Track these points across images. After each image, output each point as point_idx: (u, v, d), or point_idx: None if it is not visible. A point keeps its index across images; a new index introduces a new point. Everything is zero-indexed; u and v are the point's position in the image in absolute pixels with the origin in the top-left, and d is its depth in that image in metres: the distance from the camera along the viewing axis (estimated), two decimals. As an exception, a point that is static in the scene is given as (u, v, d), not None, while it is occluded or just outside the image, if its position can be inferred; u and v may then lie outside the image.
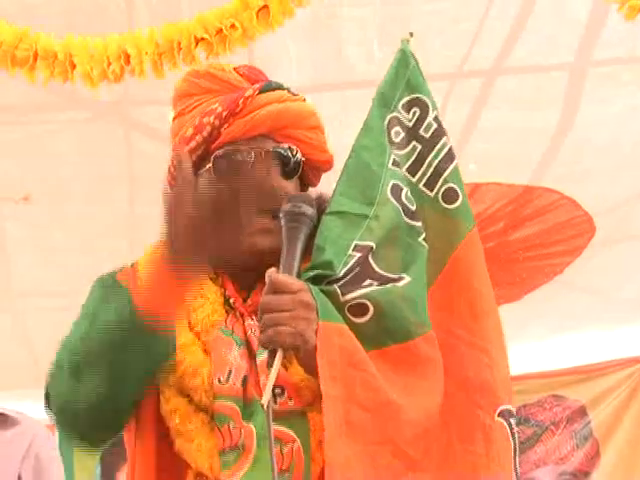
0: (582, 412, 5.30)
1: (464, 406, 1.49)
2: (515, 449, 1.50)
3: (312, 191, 1.67)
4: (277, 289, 1.40)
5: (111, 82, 2.02)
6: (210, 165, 1.60)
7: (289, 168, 1.61)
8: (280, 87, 1.65)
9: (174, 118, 1.68)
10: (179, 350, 1.49)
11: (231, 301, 1.57)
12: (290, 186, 1.61)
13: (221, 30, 1.67)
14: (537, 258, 3.64)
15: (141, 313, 1.39)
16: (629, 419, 5.24)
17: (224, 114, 1.58)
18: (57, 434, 6.23)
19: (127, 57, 1.74)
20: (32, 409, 5.93)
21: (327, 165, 1.68)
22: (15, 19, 2.42)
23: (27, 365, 5.28)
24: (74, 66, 1.71)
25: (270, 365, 1.36)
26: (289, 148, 1.61)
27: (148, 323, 1.38)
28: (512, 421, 1.50)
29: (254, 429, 1.43)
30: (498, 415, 1.50)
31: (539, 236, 3.55)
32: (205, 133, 1.59)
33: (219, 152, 1.59)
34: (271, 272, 1.44)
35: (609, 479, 5.20)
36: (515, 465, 1.50)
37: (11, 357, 5.17)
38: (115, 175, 3.75)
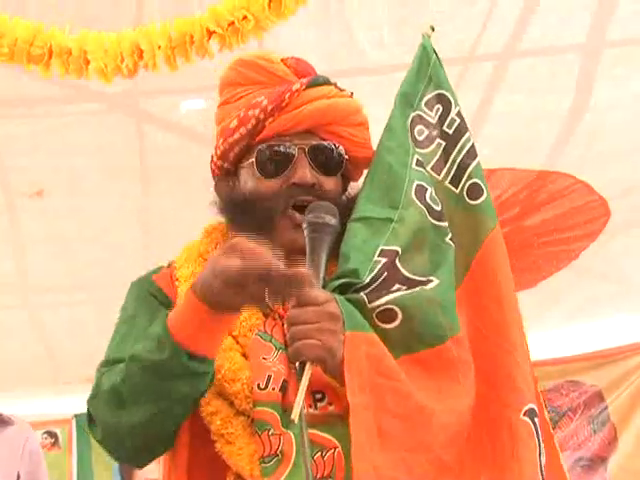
0: (599, 397, 5.29)
1: (493, 405, 1.48)
2: (540, 449, 1.48)
3: (353, 186, 1.65)
4: (304, 302, 1.39)
5: (125, 77, 2.02)
6: (253, 159, 1.59)
7: (332, 165, 1.60)
8: (327, 82, 1.63)
9: (219, 105, 1.67)
10: (218, 355, 1.47)
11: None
12: (331, 182, 1.60)
13: (233, 22, 1.66)
14: (552, 243, 3.63)
15: (183, 351, 1.38)
16: (646, 404, 5.24)
17: (269, 108, 1.57)
18: (75, 431, 6.27)
19: (140, 52, 1.73)
20: (49, 404, 5.99)
21: (370, 161, 1.65)
22: (25, 13, 2.43)
23: (43, 360, 5.31)
24: (88, 62, 1.72)
25: (299, 378, 1.36)
26: (333, 145, 1.60)
27: (190, 361, 1.38)
28: (536, 421, 1.49)
29: (293, 436, 1.42)
30: (524, 414, 1.48)
31: (554, 221, 3.53)
32: (249, 126, 1.58)
33: (262, 146, 1.58)
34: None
35: (627, 464, 5.18)
36: (540, 465, 1.47)
37: (27, 352, 5.20)
38: (128, 167, 3.75)
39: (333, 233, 1.48)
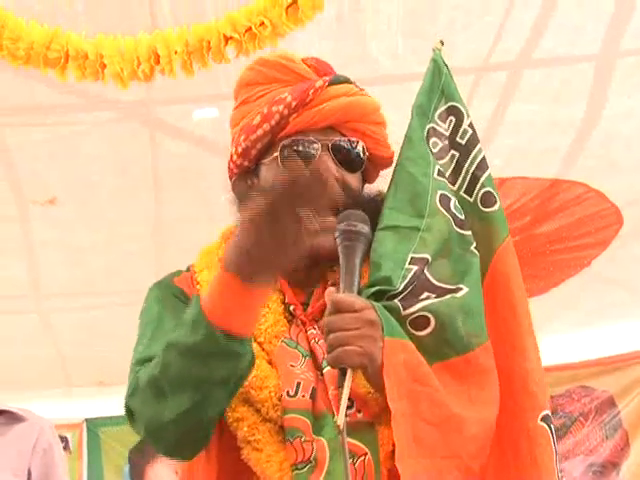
0: (611, 403, 5.27)
1: (511, 412, 1.48)
2: (556, 456, 1.49)
3: (369, 187, 1.66)
4: (341, 308, 1.39)
5: (141, 81, 2.02)
6: (277, 154, 1.59)
7: (354, 161, 1.61)
8: (347, 80, 1.65)
9: (236, 107, 1.67)
10: None
11: (291, 309, 1.56)
12: (353, 179, 1.61)
13: (250, 28, 1.66)
14: (564, 251, 3.62)
15: (219, 331, 1.36)
16: (658, 410, 5.22)
17: (294, 104, 1.58)
18: (86, 436, 6.27)
19: (157, 57, 1.73)
20: (60, 408, 6.00)
21: (389, 161, 1.67)
22: (39, 17, 2.43)
23: (54, 365, 5.32)
24: (104, 66, 1.71)
25: (340, 385, 1.36)
26: (356, 141, 1.61)
27: (227, 340, 1.36)
28: (552, 427, 1.49)
29: (325, 442, 1.42)
30: (541, 420, 1.49)
31: (566, 229, 3.53)
32: (273, 122, 1.58)
33: (286, 142, 1.59)
34: (332, 292, 1.44)
35: (639, 470, 5.17)
36: (557, 472, 1.48)
37: (39, 357, 5.21)
38: (141, 175, 3.76)
39: (366, 241, 1.49)
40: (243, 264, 1.34)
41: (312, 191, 1.43)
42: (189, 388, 1.38)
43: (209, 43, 1.94)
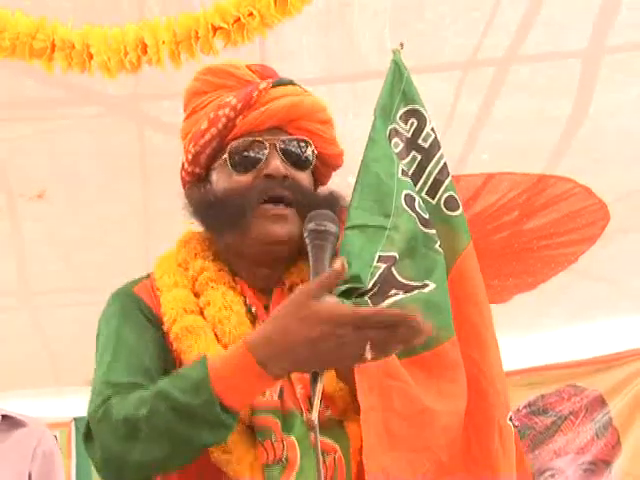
0: (601, 402, 5.29)
1: (481, 408, 1.51)
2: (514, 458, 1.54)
3: (322, 189, 1.69)
4: None
5: (129, 72, 2.01)
6: (225, 156, 1.61)
7: (302, 159, 1.63)
8: (292, 83, 1.68)
9: (186, 118, 1.70)
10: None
11: (253, 310, 1.58)
12: (304, 177, 1.63)
13: (239, 19, 1.66)
14: (551, 247, 3.63)
15: (220, 401, 1.35)
16: (648, 408, 5.23)
17: (239, 106, 1.60)
18: (74, 435, 6.24)
19: (144, 47, 1.72)
20: (49, 406, 5.97)
21: (338, 160, 1.70)
22: (24, 8, 2.42)
23: (44, 363, 5.30)
24: (91, 56, 1.70)
25: (314, 383, 1.36)
26: (303, 139, 1.63)
27: (224, 413, 1.35)
28: (514, 428, 1.54)
29: (295, 441, 1.44)
30: (509, 419, 1.54)
31: (553, 225, 3.54)
32: (220, 125, 1.61)
33: (234, 143, 1.61)
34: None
35: (631, 468, 5.18)
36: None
37: (28, 355, 5.19)
38: (129, 169, 3.76)
39: (334, 240, 1.50)
40: (272, 358, 1.32)
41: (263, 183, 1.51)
42: (167, 442, 1.37)
43: (197, 33, 1.93)
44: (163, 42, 1.65)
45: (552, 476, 5.29)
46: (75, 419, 5.84)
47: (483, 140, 3.64)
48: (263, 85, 1.63)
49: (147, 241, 4.17)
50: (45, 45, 1.52)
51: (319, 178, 1.69)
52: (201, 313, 1.56)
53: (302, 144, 1.63)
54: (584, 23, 3.25)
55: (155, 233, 4.12)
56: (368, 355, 1.26)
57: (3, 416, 2.85)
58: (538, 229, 3.41)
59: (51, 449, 2.95)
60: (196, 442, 1.37)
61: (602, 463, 5.23)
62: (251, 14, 1.67)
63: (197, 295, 1.58)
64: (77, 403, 5.82)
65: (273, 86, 1.64)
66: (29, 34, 1.54)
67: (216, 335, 1.53)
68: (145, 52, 1.64)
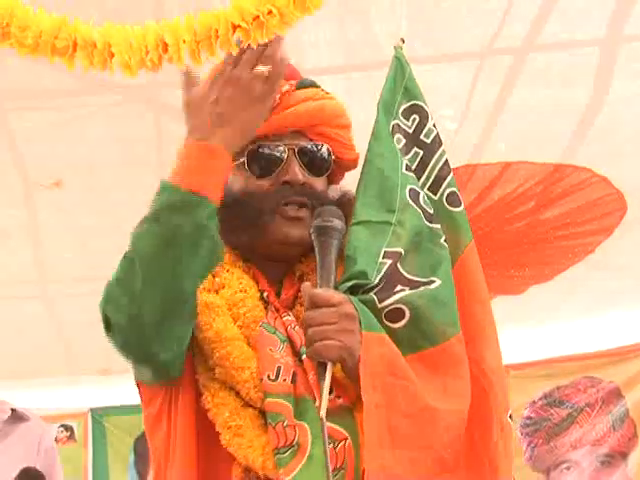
0: (617, 393, 5.28)
1: (483, 405, 1.51)
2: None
3: (334, 188, 1.68)
4: (319, 303, 1.42)
5: (149, 70, 2.04)
6: (244, 159, 1.61)
7: (320, 166, 1.63)
8: (314, 84, 1.68)
9: None
10: (224, 343, 1.49)
11: (265, 295, 1.58)
12: (319, 183, 1.64)
13: (258, 17, 1.66)
14: (568, 237, 3.62)
15: (179, 186, 1.43)
16: (665, 399, 5.22)
17: None
18: (91, 425, 6.25)
19: (165, 46, 1.73)
20: (65, 397, 6.00)
21: (354, 164, 1.70)
22: (46, 5, 2.43)
23: (59, 351, 5.33)
24: (112, 55, 1.72)
25: (321, 379, 1.39)
26: (322, 145, 1.63)
27: (186, 192, 1.41)
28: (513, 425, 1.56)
29: (307, 427, 1.44)
30: (509, 417, 1.55)
31: (570, 215, 3.52)
32: None
33: (253, 147, 1.61)
34: (307, 287, 1.47)
35: (648, 460, 5.19)
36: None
37: (43, 344, 5.22)
38: (146, 159, 3.76)
39: (340, 237, 1.51)
40: (199, 128, 1.45)
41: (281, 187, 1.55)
42: (159, 254, 1.41)
43: (217, 32, 1.93)
44: (184, 41, 1.66)
45: (568, 468, 5.28)
46: (91, 409, 5.88)
47: (500, 129, 3.63)
48: (286, 88, 1.62)
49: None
50: (67, 44, 1.53)
51: (333, 179, 1.70)
52: (216, 293, 1.57)
53: (322, 151, 1.63)
54: (602, 11, 3.23)
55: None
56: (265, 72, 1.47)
57: (12, 410, 2.89)
58: (555, 219, 3.42)
59: (52, 445, 3.01)
60: (180, 235, 1.40)
61: (618, 455, 5.23)
62: (270, 12, 1.66)
63: (213, 276, 1.58)
64: (93, 393, 5.86)
65: (296, 88, 1.64)
66: (51, 33, 1.55)
67: (232, 316, 1.54)
68: (166, 51, 1.65)
